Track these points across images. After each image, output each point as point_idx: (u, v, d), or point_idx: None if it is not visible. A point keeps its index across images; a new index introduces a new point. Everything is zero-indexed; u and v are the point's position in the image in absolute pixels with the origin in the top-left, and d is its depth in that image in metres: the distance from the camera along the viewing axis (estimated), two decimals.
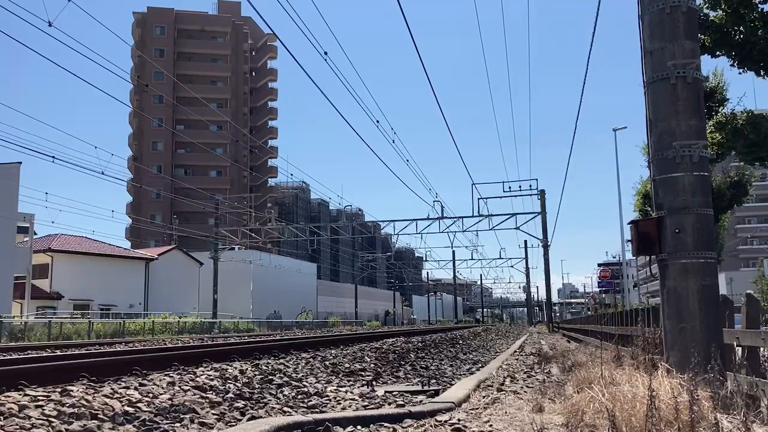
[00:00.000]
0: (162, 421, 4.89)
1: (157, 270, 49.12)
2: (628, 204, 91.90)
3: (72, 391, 5.49)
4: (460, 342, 20.24)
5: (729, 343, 5.36)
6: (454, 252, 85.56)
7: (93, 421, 4.61)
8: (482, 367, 11.14)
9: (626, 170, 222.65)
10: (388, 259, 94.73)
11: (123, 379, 6.79)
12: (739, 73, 13.24)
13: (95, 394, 5.43)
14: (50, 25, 16.69)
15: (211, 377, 7.06)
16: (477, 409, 5.72)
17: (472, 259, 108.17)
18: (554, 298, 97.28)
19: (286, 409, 5.76)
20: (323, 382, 7.97)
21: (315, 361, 9.90)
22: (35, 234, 41.29)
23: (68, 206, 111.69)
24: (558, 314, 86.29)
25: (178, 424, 4.82)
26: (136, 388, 5.95)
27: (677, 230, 5.79)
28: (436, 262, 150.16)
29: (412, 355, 13.02)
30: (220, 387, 6.54)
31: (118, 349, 15.00)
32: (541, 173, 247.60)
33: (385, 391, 7.03)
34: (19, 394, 5.26)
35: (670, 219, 5.85)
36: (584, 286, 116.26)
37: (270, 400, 6.23)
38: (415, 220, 41.40)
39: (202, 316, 43.03)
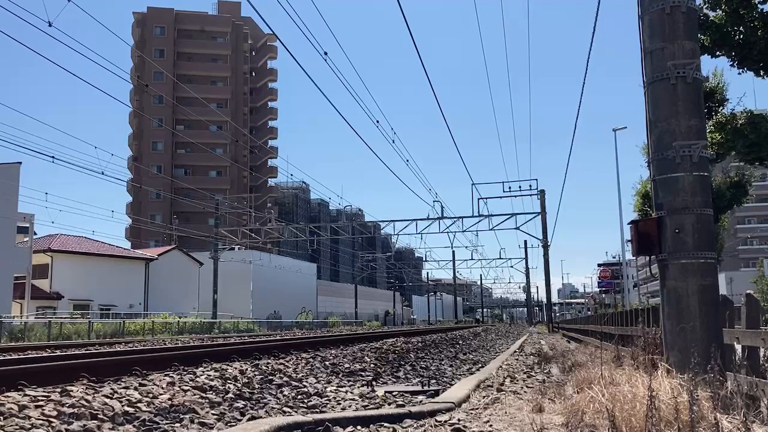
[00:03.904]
0: (162, 421, 4.89)
1: (157, 270, 49.12)
2: (628, 204, 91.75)
3: (72, 391, 5.49)
4: (460, 342, 20.24)
5: (729, 343, 5.36)
6: (454, 252, 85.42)
7: (93, 421, 4.61)
8: (482, 367, 11.13)
9: (626, 170, 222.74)
10: (388, 259, 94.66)
11: (123, 379, 6.79)
12: (739, 73, 13.24)
13: (95, 395, 5.42)
14: (50, 25, 16.69)
15: (211, 377, 7.06)
16: (477, 409, 5.72)
17: (472, 259, 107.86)
18: (554, 298, 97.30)
19: (286, 409, 5.76)
20: (323, 382, 7.97)
21: (315, 361, 9.90)
22: (35, 234, 41.28)
23: (68, 206, 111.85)
24: (558, 314, 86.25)
25: (178, 424, 4.82)
26: (136, 388, 5.95)
27: (677, 230, 5.79)
28: (436, 262, 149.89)
29: (412, 355, 13.02)
30: (220, 387, 6.54)
31: (118, 349, 14.99)
32: (541, 173, 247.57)
33: (385, 392, 7.03)
34: (19, 394, 5.26)
35: (670, 219, 5.85)
36: (584, 286, 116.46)
37: (270, 400, 6.23)
38: (415, 220, 41.43)
39: (202, 316, 43.04)
